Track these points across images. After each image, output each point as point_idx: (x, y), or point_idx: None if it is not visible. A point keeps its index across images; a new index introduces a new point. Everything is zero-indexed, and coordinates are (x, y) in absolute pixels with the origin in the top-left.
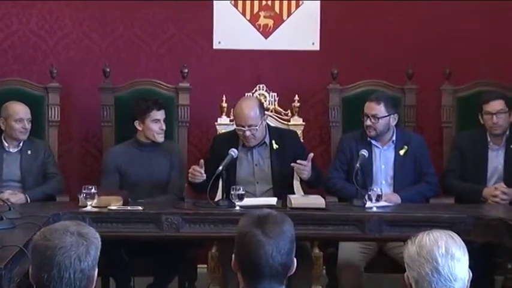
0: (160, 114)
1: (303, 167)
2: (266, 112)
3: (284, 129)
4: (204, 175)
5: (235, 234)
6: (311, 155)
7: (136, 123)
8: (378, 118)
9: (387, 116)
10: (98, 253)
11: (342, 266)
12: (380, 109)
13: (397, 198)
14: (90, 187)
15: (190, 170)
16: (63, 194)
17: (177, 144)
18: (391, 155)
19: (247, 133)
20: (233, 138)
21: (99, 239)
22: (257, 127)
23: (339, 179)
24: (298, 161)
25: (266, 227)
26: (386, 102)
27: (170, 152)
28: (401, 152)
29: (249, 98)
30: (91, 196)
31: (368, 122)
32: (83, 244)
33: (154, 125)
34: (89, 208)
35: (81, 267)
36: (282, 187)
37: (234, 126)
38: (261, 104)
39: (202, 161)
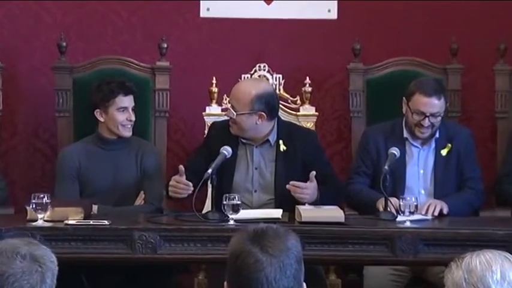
0: (127, 101)
1: (300, 190)
2: None
3: (299, 127)
4: (191, 187)
5: (227, 256)
6: (313, 173)
7: (98, 113)
8: (440, 116)
9: (446, 109)
10: (55, 281)
11: None
12: (441, 105)
13: (445, 204)
14: (42, 196)
15: (171, 183)
16: (7, 204)
17: (151, 144)
18: (431, 156)
19: (227, 112)
20: None
21: (56, 262)
22: (236, 112)
23: (359, 184)
24: (292, 183)
25: (265, 243)
26: (444, 92)
27: (142, 154)
28: (444, 152)
29: (259, 80)
30: (43, 207)
31: (426, 123)
32: (37, 270)
33: (120, 115)
34: (40, 223)
35: None
36: (285, 199)
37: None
38: (264, 97)
39: (182, 167)
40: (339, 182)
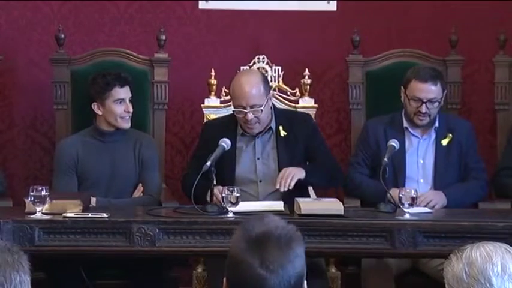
0: (124, 92)
1: (280, 181)
2: None
3: (294, 112)
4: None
5: (227, 253)
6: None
7: (95, 106)
8: (438, 102)
9: (443, 96)
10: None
11: (367, 270)
12: (438, 91)
13: (442, 198)
14: (40, 188)
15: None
16: (5, 197)
17: (149, 135)
18: (431, 146)
19: (250, 116)
20: (229, 125)
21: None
22: (262, 107)
23: (359, 173)
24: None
25: (266, 256)
26: (441, 79)
27: (140, 145)
28: (444, 142)
29: (249, 71)
30: (41, 200)
31: (423, 109)
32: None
33: (118, 107)
34: (38, 215)
35: None
36: (292, 187)
37: (232, 109)
38: (265, 79)
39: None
40: (337, 164)
